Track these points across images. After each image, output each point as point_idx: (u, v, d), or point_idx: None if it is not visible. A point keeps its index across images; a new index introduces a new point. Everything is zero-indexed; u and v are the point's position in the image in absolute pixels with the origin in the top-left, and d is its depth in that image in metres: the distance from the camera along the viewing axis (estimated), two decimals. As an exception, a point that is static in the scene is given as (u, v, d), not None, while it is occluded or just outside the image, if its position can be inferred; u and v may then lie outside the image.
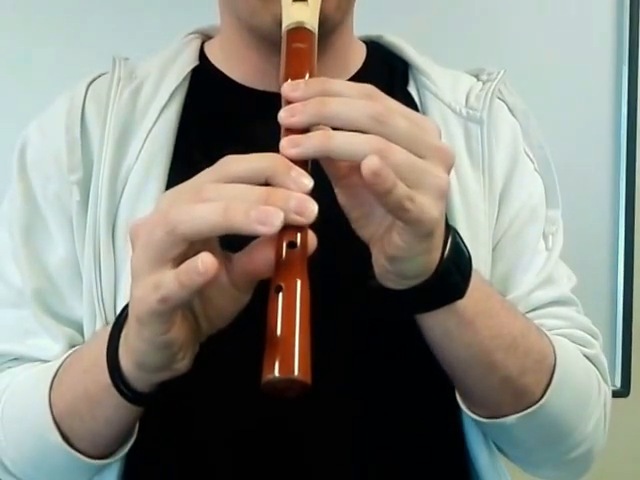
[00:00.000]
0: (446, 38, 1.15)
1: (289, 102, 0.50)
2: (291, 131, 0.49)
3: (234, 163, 0.47)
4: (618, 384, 1.24)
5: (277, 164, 0.47)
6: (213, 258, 0.44)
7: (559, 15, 1.22)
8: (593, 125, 1.24)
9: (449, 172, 0.50)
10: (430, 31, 1.13)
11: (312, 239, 0.47)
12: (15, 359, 0.69)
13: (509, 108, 0.74)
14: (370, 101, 0.49)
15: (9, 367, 0.69)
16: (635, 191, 1.26)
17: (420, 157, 0.48)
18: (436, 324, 0.58)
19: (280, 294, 0.45)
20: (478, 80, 0.74)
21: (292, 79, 0.52)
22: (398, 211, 0.47)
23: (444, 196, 0.49)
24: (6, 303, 0.70)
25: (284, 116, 0.49)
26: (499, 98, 0.73)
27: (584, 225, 1.20)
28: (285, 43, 0.56)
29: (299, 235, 0.47)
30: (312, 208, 0.45)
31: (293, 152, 0.47)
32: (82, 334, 0.68)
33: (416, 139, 0.48)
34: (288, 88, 0.50)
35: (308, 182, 0.46)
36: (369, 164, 0.45)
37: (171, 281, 0.45)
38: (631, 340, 1.26)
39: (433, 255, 0.53)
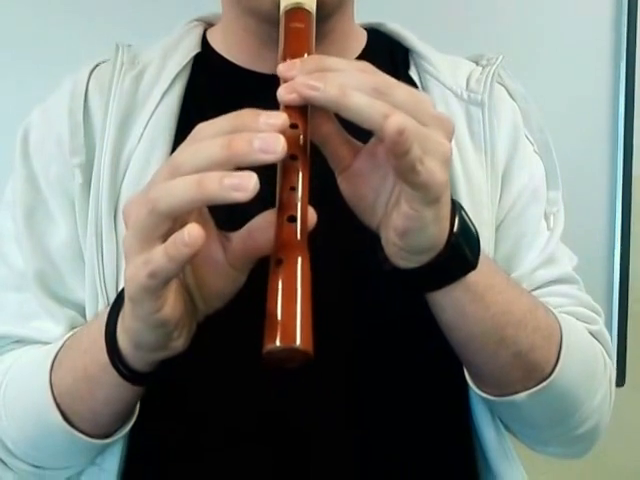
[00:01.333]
0: (445, 27, 1.17)
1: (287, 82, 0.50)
2: (290, 108, 0.48)
3: (205, 128, 0.47)
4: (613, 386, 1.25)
5: (245, 115, 0.46)
6: (200, 229, 0.44)
7: (557, 6, 1.23)
8: (590, 113, 1.26)
9: (450, 140, 0.50)
10: (429, 21, 1.15)
11: (312, 214, 0.47)
12: (17, 341, 0.69)
13: (509, 92, 0.75)
14: (367, 74, 0.49)
15: (11, 349, 0.69)
16: (632, 188, 1.28)
17: (422, 125, 0.48)
18: (449, 303, 0.58)
19: (281, 266, 0.45)
20: (478, 65, 0.75)
21: (290, 59, 0.52)
22: (409, 174, 0.48)
23: (448, 162, 0.50)
24: (8, 286, 0.70)
25: (283, 93, 0.48)
26: (499, 82, 0.74)
27: (580, 216, 1.21)
28: (283, 23, 0.56)
29: (299, 209, 0.47)
30: (277, 142, 0.44)
31: (312, 94, 0.47)
32: (84, 316, 0.68)
33: (417, 108, 0.48)
34: (284, 68, 0.50)
35: (275, 120, 0.45)
36: (397, 121, 0.45)
37: (159, 255, 0.45)
38: (626, 330, 1.27)
39: (442, 225, 0.53)
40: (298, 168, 0.48)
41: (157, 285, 0.46)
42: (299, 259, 0.46)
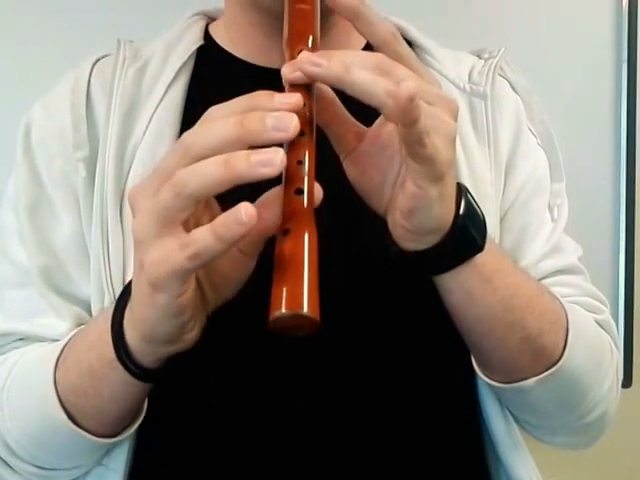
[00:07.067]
0: (447, 22, 1.17)
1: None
2: (295, 87, 0.49)
3: (218, 110, 0.47)
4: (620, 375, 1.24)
5: (259, 96, 0.47)
6: (253, 207, 0.44)
7: (557, 6, 1.24)
8: (594, 112, 1.27)
9: (455, 120, 0.51)
10: (431, 15, 1.15)
11: (318, 189, 0.48)
12: (21, 339, 0.68)
13: (511, 84, 0.75)
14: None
15: (15, 347, 0.68)
16: (635, 185, 1.28)
17: (428, 104, 0.49)
18: (458, 286, 0.58)
19: (287, 236, 0.46)
20: (480, 58, 0.76)
21: (295, 40, 0.52)
22: (417, 145, 0.48)
23: (453, 141, 0.50)
24: (12, 284, 0.69)
25: (287, 71, 0.49)
26: (500, 75, 0.74)
27: (583, 216, 1.21)
28: (288, 5, 0.56)
29: (306, 181, 0.47)
30: (290, 121, 0.44)
31: (316, 70, 0.47)
32: (89, 312, 0.67)
33: (422, 87, 0.49)
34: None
35: (288, 100, 0.46)
36: (408, 88, 0.45)
37: (205, 236, 0.44)
38: (632, 331, 1.26)
39: (447, 204, 0.53)
40: (305, 144, 0.48)
41: (197, 267, 0.46)
42: (306, 229, 0.46)
